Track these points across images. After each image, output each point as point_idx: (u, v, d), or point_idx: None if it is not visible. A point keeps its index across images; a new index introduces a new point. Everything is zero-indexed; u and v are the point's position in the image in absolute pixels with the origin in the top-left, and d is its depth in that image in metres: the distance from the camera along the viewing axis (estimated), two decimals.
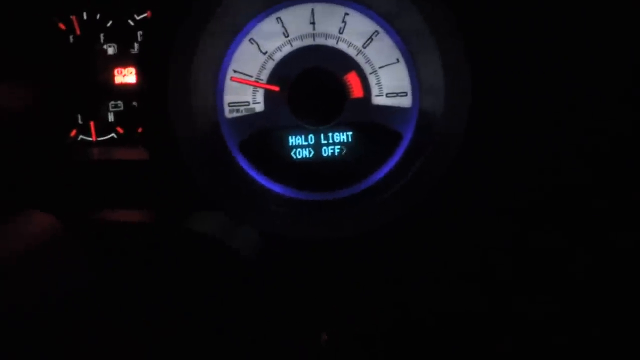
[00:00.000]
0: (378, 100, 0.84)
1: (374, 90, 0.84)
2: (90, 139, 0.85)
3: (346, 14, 0.83)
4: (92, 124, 0.84)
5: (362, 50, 0.84)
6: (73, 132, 0.85)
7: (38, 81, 0.78)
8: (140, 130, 0.85)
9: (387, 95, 0.84)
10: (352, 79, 0.83)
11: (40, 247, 0.41)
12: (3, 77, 0.74)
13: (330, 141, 0.85)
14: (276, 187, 0.85)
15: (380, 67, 0.84)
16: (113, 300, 0.45)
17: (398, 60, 0.84)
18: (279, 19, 0.84)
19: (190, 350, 0.49)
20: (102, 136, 0.85)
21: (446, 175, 0.75)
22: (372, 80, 0.84)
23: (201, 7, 0.75)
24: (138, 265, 0.47)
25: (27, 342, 0.39)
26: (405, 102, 0.84)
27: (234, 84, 0.84)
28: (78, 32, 0.83)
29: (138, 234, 0.53)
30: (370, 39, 0.84)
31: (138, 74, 0.84)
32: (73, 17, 0.82)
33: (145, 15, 0.83)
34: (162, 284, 0.47)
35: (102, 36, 0.83)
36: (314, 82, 0.82)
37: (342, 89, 0.82)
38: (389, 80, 0.84)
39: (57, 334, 0.42)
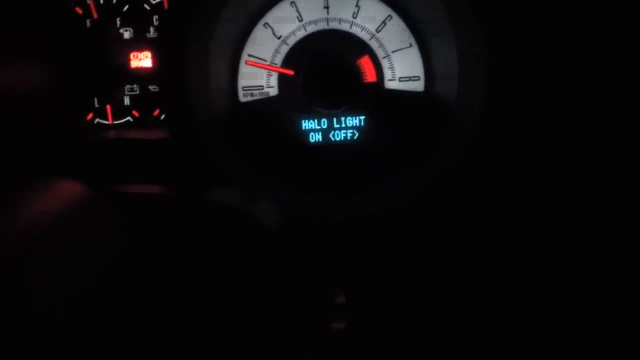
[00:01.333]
0: (391, 84, 0.85)
1: (387, 75, 0.85)
2: (106, 122, 0.86)
3: None
4: (108, 107, 0.86)
5: (375, 34, 0.84)
6: (90, 116, 0.86)
7: (55, 64, 0.79)
8: (156, 113, 0.87)
9: (400, 79, 0.85)
10: (365, 63, 0.84)
11: (73, 212, 0.42)
12: (21, 60, 0.75)
13: (343, 125, 0.87)
14: (290, 171, 0.87)
15: (393, 52, 0.85)
16: (137, 269, 0.47)
17: (411, 45, 0.85)
18: (293, 3, 0.84)
19: (207, 319, 0.50)
20: (118, 119, 0.86)
21: (458, 161, 0.76)
22: (385, 64, 0.85)
23: None
24: (162, 234, 0.49)
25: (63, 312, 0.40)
26: (418, 86, 0.85)
27: (249, 68, 0.85)
28: (95, 16, 0.83)
29: (161, 205, 0.55)
30: (384, 23, 0.84)
31: (154, 57, 0.86)
32: (90, 1, 0.83)
33: None
34: (186, 252, 0.48)
35: (118, 20, 0.84)
36: (327, 66, 0.83)
37: (356, 73, 0.83)
38: (401, 65, 0.85)
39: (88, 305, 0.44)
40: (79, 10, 0.84)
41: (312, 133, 0.87)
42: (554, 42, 0.67)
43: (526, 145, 0.69)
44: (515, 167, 0.74)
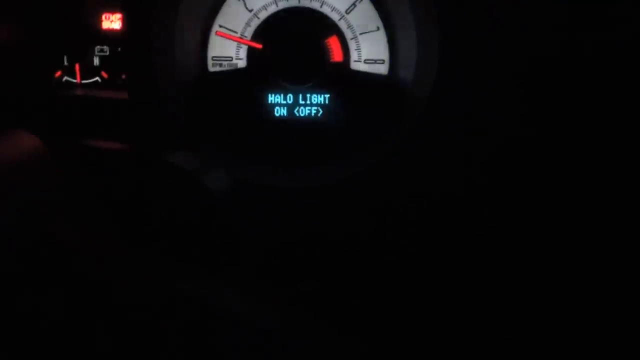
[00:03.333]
0: (356, 65, 0.88)
1: (353, 56, 0.88)
2: (75, 80, 0.87)
3: None
4: (77, 66, 0.87)
5: (345, 15, 0.87)
6: (58, 73, 0.87)
7: (26, 20, 0.80)
8: (124, 76, 0.88)
9: (365, 61, 0.88)
10: (333, 42, 0.87)
11: (18, 162, 0.44)
12: None
13: (308, 102, 0.89)
14: (252, 142, 0.89)
15: (360, 34, 0.87)
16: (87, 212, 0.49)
17: (378, 29, 0.87)
18: None
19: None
20: (87, 79, 0.87)
21: (410, 138, 0.79)
22: (352, 45, 0.87)
23: None
24: (114, 187, 0.51)
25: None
26: (382, 69, 0.88)
27: (219, 38, 0.87)
28: None
29: (116, 159, 0.56)
30: (354, 5, 0.86)
31: (124, 20, 0.86)
32: None
33: None
34: (134, 207, 0.51)
35: None
36: (296, 43, 0.85)
37: (323, 52, 0.85)
38: (368, 47, 0.87)
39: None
40: None
41: (277, 107, 0.89)
42: (507, 34, 0.71)
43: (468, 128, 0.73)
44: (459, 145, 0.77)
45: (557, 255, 0.73)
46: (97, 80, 0.88)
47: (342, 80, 0.88)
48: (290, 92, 0.88)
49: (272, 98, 0.88)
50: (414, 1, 0.79)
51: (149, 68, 0.74)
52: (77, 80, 0.87)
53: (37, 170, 0.46)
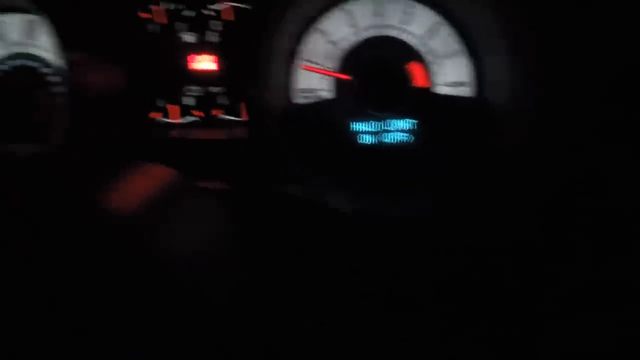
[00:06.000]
0: (440, 89, 0.89)
1: (437, 80, 0.89)
2: (169, 121, 0.91)
3: (411, 6, 0.88)
4: (171, 107, 0.91)
5: (425, 41, 0.88)
6: (154, 115, 0.91)
7: (126, 65, 0.85)
8: (216, 113, 0.92)
9: (448, 84, 0.89)
10: (415, 68, 0.88)
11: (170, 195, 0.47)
12: (98, 60, 0.81)
13: (394, 128, 0.91)
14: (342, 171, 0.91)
15: (442, 58, 0.88)
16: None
17: (460, 51, 0.88)
18: (347, 10, 0.88)
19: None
20: (181, 119, 0.91)
21: (506, 162, 0.80)
22: (434, 69, 0.89)
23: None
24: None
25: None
26: (467, 91, 0.89)
27: (304, 71, 0.90)
28: (160, 20, 0.88)
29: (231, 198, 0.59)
30: (434, 30, 0.88)
31: (218, 60, 0.91)
32: (158, 8, 0.88)
33: (223, 5, 0.89)
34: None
35: (181, 25, 0.89)
36: (380, 71, 0.87)
37: (406, 78, 0.87)
38: (450, 70, 0.89)
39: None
40: (148, 16, 0.89)
41: (363, 135, 0.91)
42: (609, 56, 0.71)
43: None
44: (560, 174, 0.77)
45: None
46: (190, 120, 0.92)
47: (426, 104, 0.89)
48: (375, 120, 0.90)
49: (358, 126, 0.90)
50: (504, 20, 0.79)
51: (262, 106, 0.77)
52: (172, 120, 0.91)
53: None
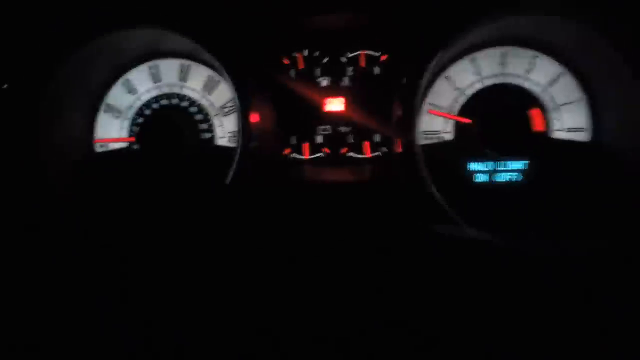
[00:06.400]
0: (558, 134, 0.95)
1: (555, 125, 0.94)
2: (302, 157, 1.00)
3: (535, 56, 0.94)
4: (305, 144, 1.00)
5: (547, 89, 0.94)
6: (287, 151, 1.00)
7: (273, 106, 0.95)
8: (343, 151, 1.00)
9: (567, 130, 0.94)
10: (535, 114, 0.94)
11: None
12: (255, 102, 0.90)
13: (507, 168, 0.97)
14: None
15: (562, 105, 0.94)
16: None
17: (580, 99, 0.93)
18: (473, 59, 0.95)
19: None
20: (312, 155, 1.00)
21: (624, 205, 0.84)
22: (553, 116, 0.94)
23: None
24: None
25: None
26: (583, 136, 0.94)
27: (429, 115, 0.97)
28: (300, 66, 0.97)
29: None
30: (556, 79, 0.93)
31: (346, 103, 0.99)
32: (297, 55, 0.97)
33: (355, 53, 0.97)
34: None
35: (318, 70, 0.98)
36: (502, 116, 0.93)
37: (526, 124, 0.93)
38: (569, 117, 0.94)
39: None
40: (286, 61, 0.98)
41: (477, 174, 0.97)
42: None
43: None
44: None
45: None
46: (320, 156, 1.00)
47: (543, 147, 0.94)
48: (489, 160, 0.96)
49: (474, 166, 0.97)
50: (619, 74, 0.84)
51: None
52: (305, 156, 1.00)
53: None
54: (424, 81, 0.84)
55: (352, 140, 0.99)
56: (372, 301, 0.76)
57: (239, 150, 0.83)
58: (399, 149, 0.86)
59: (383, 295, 0.76)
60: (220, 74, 0.92)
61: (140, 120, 1.01)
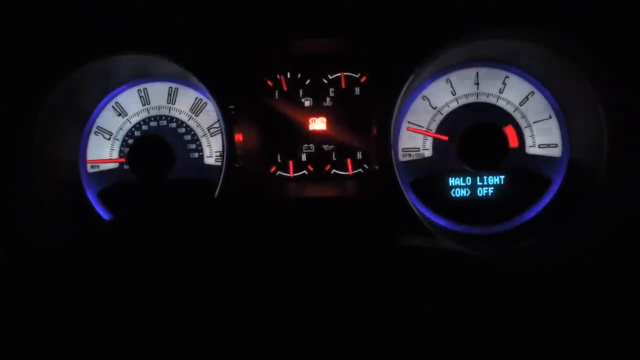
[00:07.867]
0: (531, 150, 0.99)
1: (528, 142, 0.99)
2: (287, 174, 1.03)
3: (506, 76, 0.99)
4: (290, 162, 1.03)
5: (519, 107, 0.98)
6: (273, 169, 1.04)
7: (258, 126, 0.98)
8: (327, 168, 1.03)
9: (539, 146, 0.99)
10: (509, 131, 0.98)
11: None
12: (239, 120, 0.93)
13: (485, 183, 1.01)
14: (439, 221, 1.02)
15: (534, 122, 0.98)
16: None
17: (550, 117, 0.98)
18: (448, 80, 1.00)
19: None
20: (296, 172, 1.03)
21: (596, 211, 0.88)
22: (526, 133, 0.99)
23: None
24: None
25: None
26: (556, 152, 0.98)
27: (408, 132, 1.01)
28: (284, 88, 1.01)
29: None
30: (527, 98, 0.98)
31: (328, 122, 1.03)
32: (280, 76, 1.01)
33: (336, 75, 1.01)
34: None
35: (300, 91, 1.02)
36: (477, 133, 0.97)
37: (503, 140, 0.97)
38: (541, 133, 0.99)
39: None
40: (270, 83, 1.02)
41: (457, 189, 1.01)
42: None
43: None
44: None
45: None
46: (304, 173, 1.04)
47: (517, 163, 0.99)
48: (468, 175, 1.00)
49: (453, 181, 1.01)
50: (592, 92, 0.89)
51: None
52: (290, 174, 1.03)
53: None
54: (398, 100, 0.88)
55: (335, 158, 1.03)
56: (353, 314, 0.77)
57: (223, 169, 0.86)
58: (377, 166, 0.90)
59: (364, 310, 0.78)
60: (207, 96, 0.96)
61: (131, 141, 1.04)
